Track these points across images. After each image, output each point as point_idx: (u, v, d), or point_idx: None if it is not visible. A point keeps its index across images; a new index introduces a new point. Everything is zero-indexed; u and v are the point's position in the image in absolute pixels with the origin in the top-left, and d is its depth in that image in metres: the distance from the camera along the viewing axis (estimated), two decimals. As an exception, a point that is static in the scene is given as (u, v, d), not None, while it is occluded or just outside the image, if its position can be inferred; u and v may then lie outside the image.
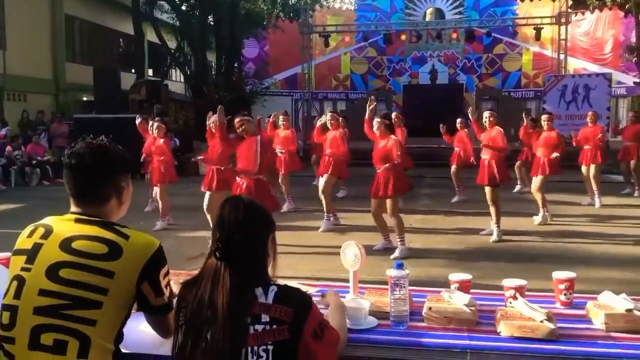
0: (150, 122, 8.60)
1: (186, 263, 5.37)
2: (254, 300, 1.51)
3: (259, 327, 1.48)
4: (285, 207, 8.94)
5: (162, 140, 8.29)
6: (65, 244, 1.58)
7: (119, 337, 1.61)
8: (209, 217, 6.40)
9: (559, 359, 1.74)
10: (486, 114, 7.26)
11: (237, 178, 6.01)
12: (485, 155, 7.09)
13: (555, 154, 7.76)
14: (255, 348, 1.48)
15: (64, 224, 1.64)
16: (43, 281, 1.54)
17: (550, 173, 7.90)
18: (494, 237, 6.92)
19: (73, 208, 1.69)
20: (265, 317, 1.49)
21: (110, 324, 1.56)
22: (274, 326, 1.49)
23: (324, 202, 7.75)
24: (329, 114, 8.57)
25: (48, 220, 1.68)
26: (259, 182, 5.82)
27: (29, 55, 17.64)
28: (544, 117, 8.48)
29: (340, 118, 8.97)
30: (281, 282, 1.64)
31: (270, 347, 1.48)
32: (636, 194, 10.30)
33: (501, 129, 7.08)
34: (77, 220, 1.64)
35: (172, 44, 22.24)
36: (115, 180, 1.73)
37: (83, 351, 1.50)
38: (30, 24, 17.84)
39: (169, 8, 22.08)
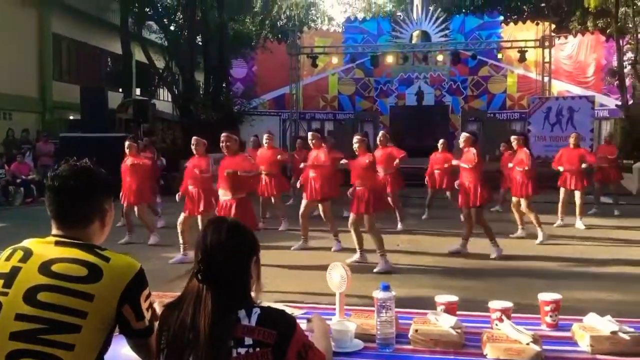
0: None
1: (172, 284, 5.31)
2: (236, 323, 1.49)
3: (242, 350, 1.46)
4: (282, 227, 9.01)
5: (130, 160, 8.18)
6: (45, 267, 1.55)
7: None
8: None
9: (545, 382, 1.74)
10: (462, 136, 7.43)
11: (220, 198, 6.13)
12: (465, 178, 7.20)
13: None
14: None
15: (44, 247, 1.61)
16: (20, 305, 1.51)
17: (532, 194, 8.13)
18: (493, 254, 7.06)
19: (54, 231, 1.67)
20: (248, 340, 1.47)
21: (89, 348, 1.52)
22: (257, 349, 1.47)
23: (329, 225, 7.77)
24: (310, 133, 8.24)
25: (27, 242, 1.65)
26: (241, 201, 5.97)
27: (16, 73, 17.57)
28: (512, 137, 8.62)
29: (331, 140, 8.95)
30: (266, 304, 1.62)
31: None
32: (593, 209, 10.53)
33: (474, 149, 7.17)
34: (57, 243, 1.61)
35: (160, 63, 22.31)
36: (99, 203, 1.71)
37: None
38: (17, 42, 17.80)
39: (158, 28, 22.20)
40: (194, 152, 7.11)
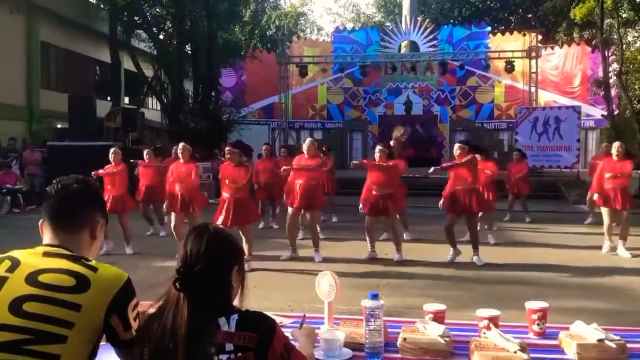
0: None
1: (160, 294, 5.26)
2: (216, 330, 1.48)
3: (224, 357, 1.45)
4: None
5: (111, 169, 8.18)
6: (32, 277, 1.54)
7: None
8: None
9: (532, 390, 1.75)
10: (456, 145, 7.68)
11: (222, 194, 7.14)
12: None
13: None
14: None
15: (32, 257, 1.60)
16: (5, 316, 1.49)
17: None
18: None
19: (46, 237, 1.68)
20: (229, 346, 1.46)
21: (75, 359, 1.52)
22: (239, 354, 1.46)
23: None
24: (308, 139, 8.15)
25: (15, 253, 1.64)
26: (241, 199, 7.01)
27: (3, 82, 17.45)
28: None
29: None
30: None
31: None
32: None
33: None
34: (45, 254, 1.61)
35: (149, 72, 22.26)
36: (94, 212, 1.74)
37: None
38: (4, 50, 17.70)
39: (147, 37, 22.17)
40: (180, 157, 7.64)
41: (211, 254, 1.54)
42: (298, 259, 7.57)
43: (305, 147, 7.66)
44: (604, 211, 7.86)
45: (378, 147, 7.57)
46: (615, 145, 7.98)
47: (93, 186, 1.80)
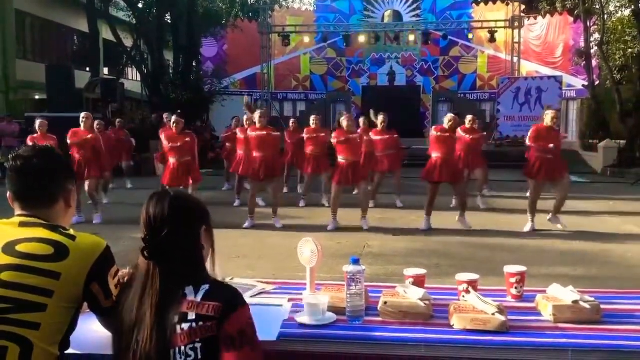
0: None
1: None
2: (182, 299, 1.45)
3: (186, 326, 1.42)
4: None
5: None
6: (9, 248, 1.53)
7: (65, 342, 1.56)
8: None
9: (509, 350, 1.78)
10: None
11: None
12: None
13: None
14: (183, 348, 1.41)
15: (8, 228, 1.59)
16: None
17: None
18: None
19: (18, 211, 1.65)
20: (191, 315, 1.43)
21: (55, 327, 1.51)
22: (201, 323, 1.42)
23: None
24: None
25: None
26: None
27: (-23, 52, 17.03)
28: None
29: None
30: (237, 280, 1.61)
31: (199, 345, 1.41)
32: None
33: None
34: (21, 224, 1.59)
35: (128, 42, 21.82)
36: (63, 183, 1.69)
37: (25, 357, 1.44)
38: (-22, 19, 17.23)
39: (125, 5, 21.67)
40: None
41: (175, 217, 1.49)
42: (282, 229, 7.60)
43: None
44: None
45: (345, 115, 7.91)
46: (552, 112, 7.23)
47: (55, 155, 1.71)
